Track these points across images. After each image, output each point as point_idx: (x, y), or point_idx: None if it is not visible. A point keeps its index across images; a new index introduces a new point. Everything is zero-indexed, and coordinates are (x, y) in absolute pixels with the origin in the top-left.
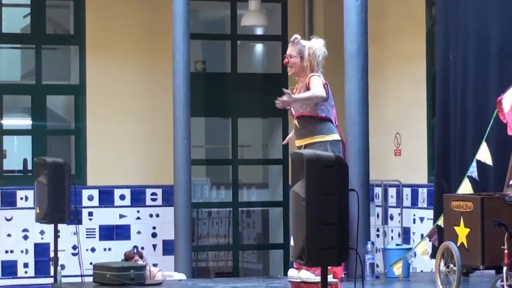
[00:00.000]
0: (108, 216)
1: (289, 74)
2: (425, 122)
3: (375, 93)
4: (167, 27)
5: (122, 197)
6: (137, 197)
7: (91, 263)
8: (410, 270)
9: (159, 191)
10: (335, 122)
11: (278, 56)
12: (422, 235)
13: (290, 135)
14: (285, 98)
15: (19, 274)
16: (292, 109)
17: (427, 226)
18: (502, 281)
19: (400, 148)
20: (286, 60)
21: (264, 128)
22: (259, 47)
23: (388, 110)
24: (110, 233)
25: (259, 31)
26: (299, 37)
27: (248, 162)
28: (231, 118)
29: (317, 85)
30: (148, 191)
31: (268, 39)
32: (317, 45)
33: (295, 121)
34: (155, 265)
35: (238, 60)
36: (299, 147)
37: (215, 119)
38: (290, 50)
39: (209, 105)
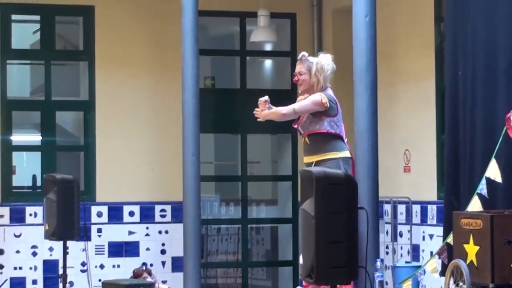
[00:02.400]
0: (117, 233)
1: (299, 91)
2: (434, 138)
3: (385, 110)
4: (176, 43)
5: (131, 213)
6: (146, 214)
7: (100, 280)
8: None
9: (168, 208)
10: (345, 138)
11: (287, 72)
12: (431, 253)
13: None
14: (261, 108)
15: None
16: (299, 128)
17: (437, 244)
18: None
19: (410, 165)
20: (296, 78)
21: (273, 144)
22: (268, 63)
23: (398, 127)
24: (119, 249)
25: (268, 47)
26: (306, 54)
27: (257, 179)
28: (240, 134)
29: (302, 102)
30: (157, 208)
31: (277, 55)
32: (324, 60)
33: (306, 139)
34: (164, 282)
35: (247, 76)
36: (308, 164)
37: (224, 135)
38: (299, 67)
39: (218, 121)
